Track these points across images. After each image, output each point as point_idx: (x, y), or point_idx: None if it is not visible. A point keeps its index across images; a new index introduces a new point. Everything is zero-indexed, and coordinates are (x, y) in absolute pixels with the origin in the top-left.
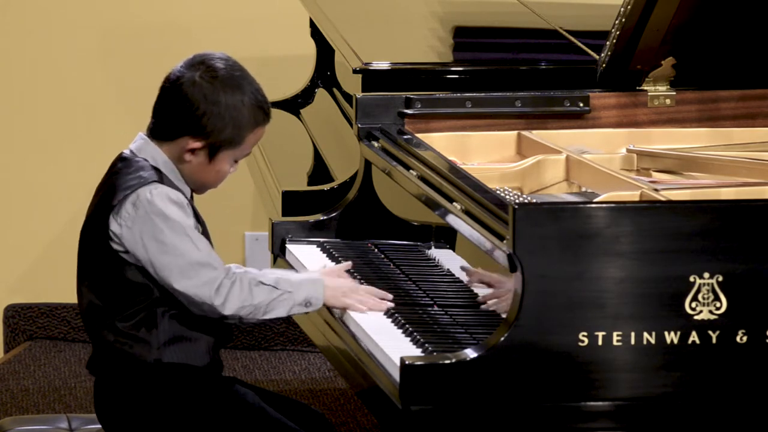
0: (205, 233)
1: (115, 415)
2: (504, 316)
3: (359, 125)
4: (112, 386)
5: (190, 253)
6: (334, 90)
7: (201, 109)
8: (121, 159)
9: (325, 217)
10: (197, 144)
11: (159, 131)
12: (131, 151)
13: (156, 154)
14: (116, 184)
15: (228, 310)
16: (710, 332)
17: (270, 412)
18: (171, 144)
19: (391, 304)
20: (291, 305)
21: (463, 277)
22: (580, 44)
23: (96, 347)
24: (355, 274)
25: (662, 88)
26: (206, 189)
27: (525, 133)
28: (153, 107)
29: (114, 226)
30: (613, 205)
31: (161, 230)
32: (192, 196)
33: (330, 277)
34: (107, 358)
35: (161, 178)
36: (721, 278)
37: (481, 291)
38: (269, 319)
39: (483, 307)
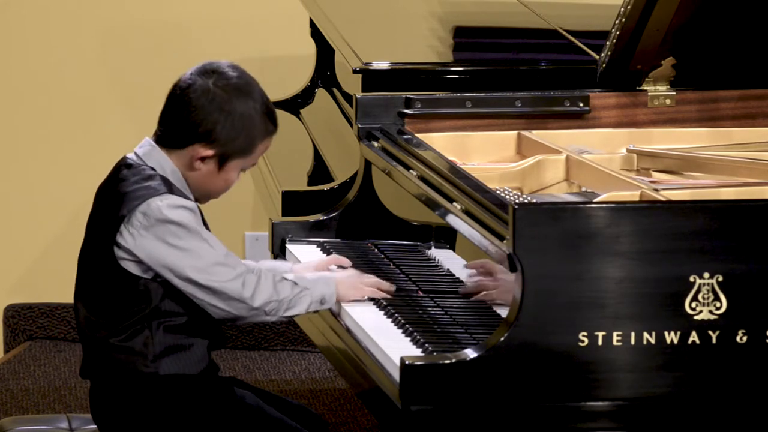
0: None
1: (112, 419)
2: (497, 309)
3: (359, 125)
4: (108, 392)
5: (208, 255)
6: (334, 90)
7: (214, 118)
8: (126, 165)
9: (325, 217)
10: (208, 152)
11: (168, 139)
12: (137, 156)
13: (163, 162)
14: (124, 192)
15: (257, 302)
16: (710, 332)
17: (270, 412)
18: (181, 152)
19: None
20: (309, 302)
21: (463, 275)
22: (580, 44)
23: (89, 356)
24: None
25: (662, 88)
26: (210, 198)
27: (525, 133)
28: (160, 115)
29: (125, 235)
30: (613, 205)
31: (177, 235)
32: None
33: (339, 274)
34: (102, 366)
35: (170, 187)
36: (721, 278)
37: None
38: (287, 317)
39: (474, 298)
